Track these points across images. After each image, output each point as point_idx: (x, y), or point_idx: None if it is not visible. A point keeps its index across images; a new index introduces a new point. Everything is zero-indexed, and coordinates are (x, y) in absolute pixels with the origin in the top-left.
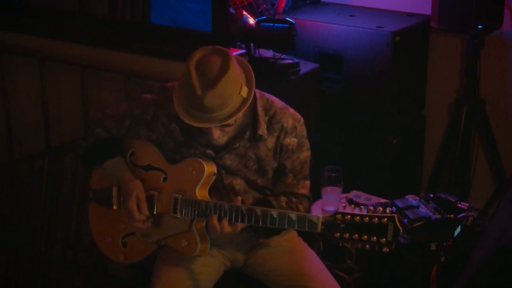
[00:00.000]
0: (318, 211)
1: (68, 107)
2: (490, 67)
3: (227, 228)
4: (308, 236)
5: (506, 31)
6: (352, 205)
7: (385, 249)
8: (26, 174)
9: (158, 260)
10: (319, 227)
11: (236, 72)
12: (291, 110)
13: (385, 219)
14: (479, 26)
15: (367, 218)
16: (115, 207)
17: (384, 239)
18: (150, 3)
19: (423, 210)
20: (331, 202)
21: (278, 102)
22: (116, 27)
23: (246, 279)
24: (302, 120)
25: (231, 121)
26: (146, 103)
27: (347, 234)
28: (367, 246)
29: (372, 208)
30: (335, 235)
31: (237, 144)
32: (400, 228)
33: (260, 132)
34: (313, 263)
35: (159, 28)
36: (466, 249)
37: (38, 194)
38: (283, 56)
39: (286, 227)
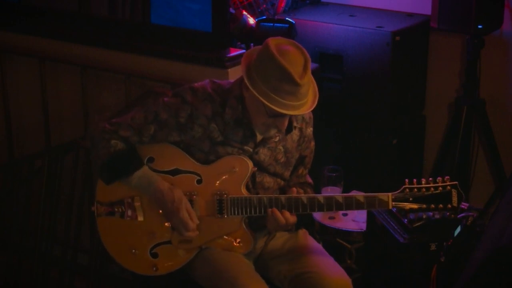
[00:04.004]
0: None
1: (68, 107)
2: (490, 67)
3: (291, 218)
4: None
5: (506, 31)
6: (415, 179)
7: (452, 215)
8: (26, 174)
9: (207, 260)
10: (390, 204)
11: None
12: None
13: (449, 187)
14: (479, 26)
15: (432, 188)
16: (140, 218)
17: (449, 205)
18: (150, 3)
19: None
20: None
21: None
22: (116, 27)
23: None
24: None
25: None
26: (175, 106)
27: (416, 206)
28: (432, 214)
29: (431, 179)
30: (406, 208)
31: (277, 138)
32: (463, 193)
33: (295, 123)
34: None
35: (159, 28)
36: (466, 249)
37: (38, 194)
38: None
39: (354, 209)
